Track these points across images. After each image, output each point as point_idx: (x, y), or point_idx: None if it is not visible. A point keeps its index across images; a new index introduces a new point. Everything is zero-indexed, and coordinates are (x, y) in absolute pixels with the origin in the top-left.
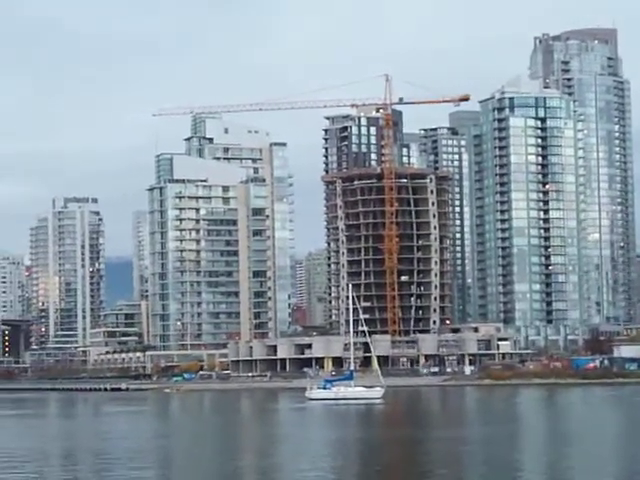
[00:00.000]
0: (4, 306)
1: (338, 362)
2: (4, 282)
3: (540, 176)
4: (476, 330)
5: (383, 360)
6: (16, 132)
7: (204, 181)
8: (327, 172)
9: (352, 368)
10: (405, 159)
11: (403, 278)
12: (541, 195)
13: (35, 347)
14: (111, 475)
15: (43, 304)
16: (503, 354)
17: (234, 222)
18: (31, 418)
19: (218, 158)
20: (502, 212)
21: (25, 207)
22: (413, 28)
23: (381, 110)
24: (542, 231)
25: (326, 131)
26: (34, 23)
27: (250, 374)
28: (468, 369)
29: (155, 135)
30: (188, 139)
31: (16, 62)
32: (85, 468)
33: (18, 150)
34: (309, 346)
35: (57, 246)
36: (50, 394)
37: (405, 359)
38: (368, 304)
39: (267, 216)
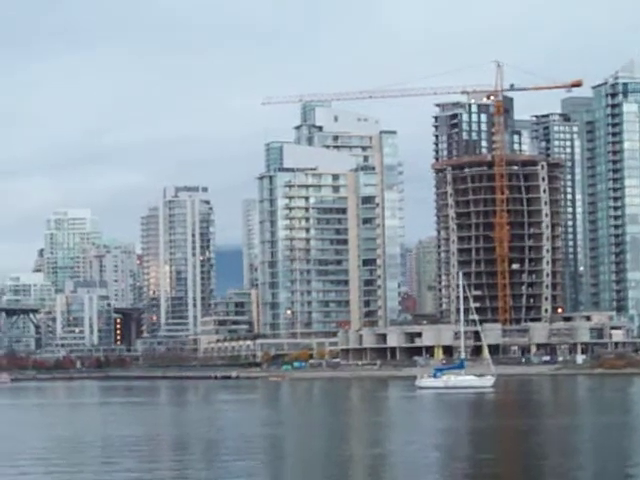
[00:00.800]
0: (116, 295)
1: (448, 351)
2: (116, 271)
3: None
4: (588, 319)
5: (494, 349)
6: (127, 122)
7: (314, 169)
8: (437, 160)
9: (463, 357)
10: (516, 146)
11: (514, 266)
12: None
13: (146, 335)
14: (221, 463)
15: (154, 292)
16: (616, 343)
17: (344, 210)
18: (142, 406)
19: (328, 146)
20: (615, 199)
21: (136, 196)
22: (522, 12)
23: (492, 97)
24: None
25: (436, 118)
26: (145, 10)
27: (360, 362)
28: (580, 358)
29: (264, 123)
30: (298, 127)
31: (128, 53)
32: (195, 456)
33: (129, 140)
34: (419, 335)
35: (168, 235)
36: (161, 382)
37: (516, 348)
38: (479, 292)
39: (377, 204)
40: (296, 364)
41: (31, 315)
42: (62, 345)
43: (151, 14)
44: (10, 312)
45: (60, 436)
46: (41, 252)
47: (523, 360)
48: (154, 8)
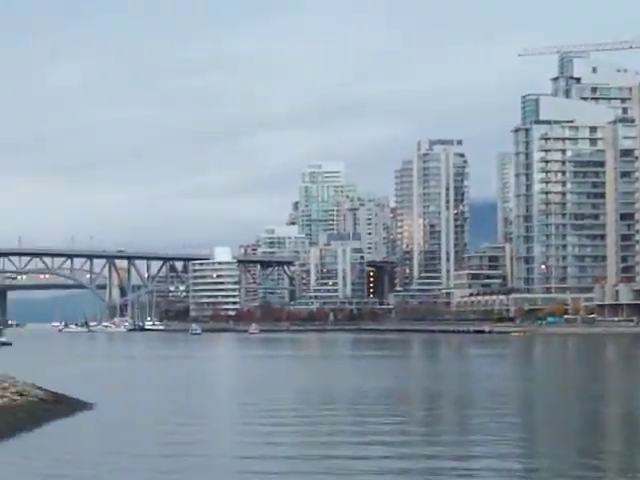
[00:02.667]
0: (369, 248)
1: None
2: (369, 224)
3: None
4: None
5: None
6: (383, 74)
7: (570, 122)
8: None
9: None
10: None
11: None
12: None
13: (399, 289)
14: (471, 416)
15: (407, 246)
16: None
17: (601, 164)
18: (394, 359)
19: (585, 98)
20: None
21: (390, 149)
22: None
23: None
24: None
25: None
26: None
27: (616, 319)
28: None
29: (521, 75)
30: (555, 79)
31: (385, 5)
32: (444, 411)
33: (384, 92)
34: None
35: (422, 188)
36: (413, 335)
37: None
38: None
39: (636, 157)
40: (550, 319)
41: (285, 267)
42: (315, 297)
43: None
44: (265, 264)
45: (310, 387)
46: (296, 205)
47: None
48: None
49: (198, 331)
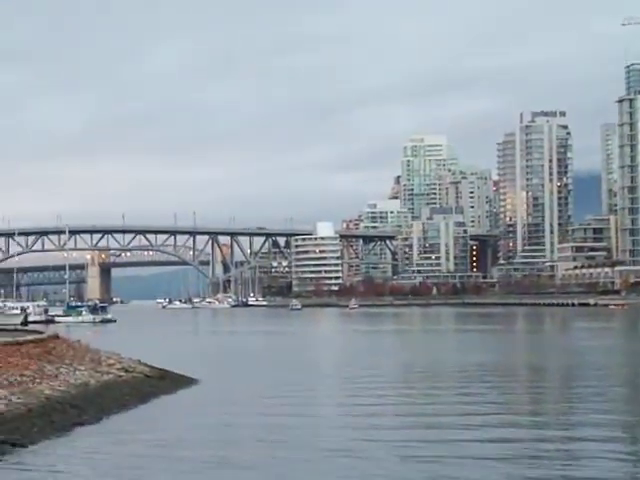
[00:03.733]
0: (472, 221)
1: None
2: (472, 197)
3: None
4: None
5: None
6: (484, 47)
7: None
8: None
9: None
10: None
11: None
12: None
13: (502, 262)
14: (573, 389)
15: (510, 219)
16: None
17: None
18: (498, 333)
19: None
20: None
21: (492, 122)
22: None
23: None
24: None
25: None
26: None
27: None
28: None
29: (625, 45)
30: None
31: None
32: (549, 384)
33: (486, 65)
34: None
35: (524, 161)
36: (517, 309)
37: None
38: None
39: None
40: None
41: (388, 242)
42: (418, 272)
43: None
44: (367, 239)
45: (414, 362)
46: (398, 179)
47: None
48: None
49: (298, 306)
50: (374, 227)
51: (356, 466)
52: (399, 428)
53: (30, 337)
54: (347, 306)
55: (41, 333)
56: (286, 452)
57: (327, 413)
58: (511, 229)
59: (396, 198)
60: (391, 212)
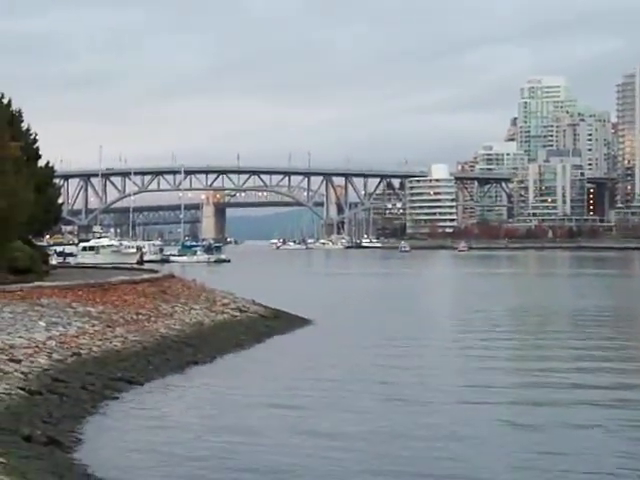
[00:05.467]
0: (589, 164)
1: None
2: (590, 140)
3: None
4: None
5: None
6: None
7: None
8: None
9: None
10: None
11: None
12: None
13: (620, 206)
14: None
15: (629, 162)
16: None
17: None
18: (615, 277)
19: None
20: None
21: (613, 63)
22: None
23: None
24: None
25: None
26: None
27: None
28: None
29: None
30: None
31: None
32: None
33: (608, 4)
34: None
35: None
36: (634, 253)
37: None
38: None
39: None
40: None
41: (503, 184)
42: (534, 214)
43: None
44: (483, 181)
45: (526, 306)
46: (514, 121)
47: None
48: None
49: (407, 248)
50: (489, 169)
51: (468, 411)
52: (512, 372)
53: (146, 276)
54: (456, 248)
55: (156, 272)
56: (400, 396)
57: (434, 355)
58: (629, 172)
59: (512, 140)
60: (507, 154)
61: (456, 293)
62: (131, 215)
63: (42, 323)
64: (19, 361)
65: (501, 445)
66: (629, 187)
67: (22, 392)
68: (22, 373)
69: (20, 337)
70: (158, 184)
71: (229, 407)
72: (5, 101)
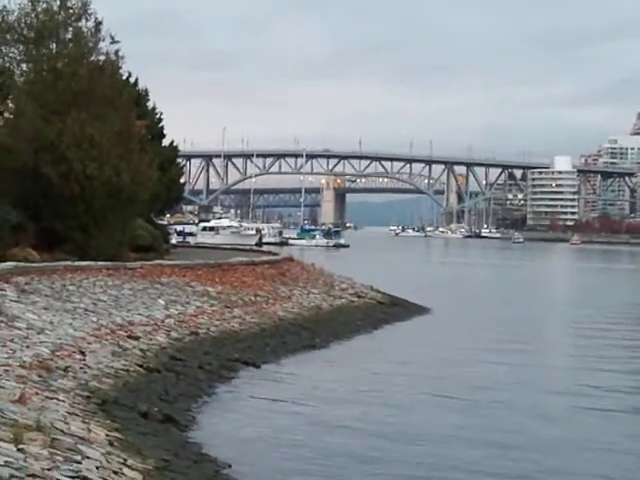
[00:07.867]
0: None
1: None
2: None
3: None
4: None
5: None
6: None
7: None
8: None
9: None
10: None
11: None
12: None
13: None
14: None
15: None
16: None
17: None
18: None
19: None
20: None
21: None
22: None
23: None
24: None
25: None
26: None
27: None
28: None
29: None
30: None
31: None
32: None
33: None
34: None
35: None
36: None
37: None
38: None
39: None
40: None
41: (627, 178)
42: None
43: None
44: (606, 175)
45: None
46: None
47: None
48: None
49: (520, 239)
50: (613, 163)
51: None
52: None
53: (265, 258)
54: (569, 241)
55: (275, 254)
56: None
57: (547, 348)
58: None
59: (638, 134)
60: (632, 148)
61: (576, 286)
62: (252, 197)
63: (161, 301)
64: (137, 338)
65: None
66: None
67: (140, 369)
68: (140, 350)
69: (139, 314)
70: (279, 167)
71: (345, 393)
72: (132, 80)
